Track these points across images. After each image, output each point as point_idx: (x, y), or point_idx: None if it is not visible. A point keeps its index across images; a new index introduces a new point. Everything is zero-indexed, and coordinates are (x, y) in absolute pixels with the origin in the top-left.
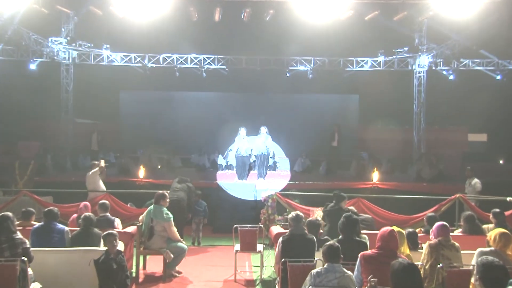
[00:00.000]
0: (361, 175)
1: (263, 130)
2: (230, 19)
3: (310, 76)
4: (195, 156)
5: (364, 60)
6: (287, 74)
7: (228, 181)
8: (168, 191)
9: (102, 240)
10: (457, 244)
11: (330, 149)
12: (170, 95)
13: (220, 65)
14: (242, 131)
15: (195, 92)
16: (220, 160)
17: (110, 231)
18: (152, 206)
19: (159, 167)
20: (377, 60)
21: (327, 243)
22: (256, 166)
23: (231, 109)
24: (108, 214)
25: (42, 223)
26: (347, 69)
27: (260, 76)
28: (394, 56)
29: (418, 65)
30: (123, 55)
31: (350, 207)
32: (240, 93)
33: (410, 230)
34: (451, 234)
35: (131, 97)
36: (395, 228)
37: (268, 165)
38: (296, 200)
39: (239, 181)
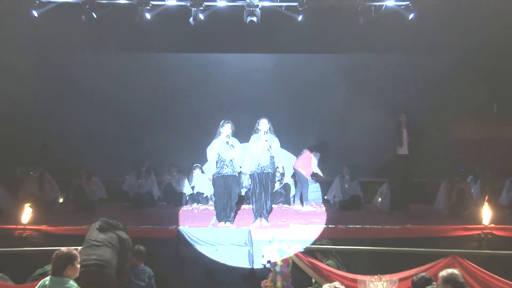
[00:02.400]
0: (459, 211)
1: (264, 125)
2: None
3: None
4: (131, 178)
5: None
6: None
7: (197, 226)
8: (81, 248)
9: None
10: None
11: (396, 161)
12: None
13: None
14: (225, 129)
15: (132, 51)
16: (183, 187)
17: None
18: (46, 280)
19: (61, 200)
20: None
21: None
22: (252, 196)
23: (200, 85)
24: None
25: None
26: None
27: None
28: None
29: None
30: None
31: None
32: (217, 54)
33: None
34: None
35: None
36: None
37: (275, 191)
38: (328, 261)
39: (219, 224)
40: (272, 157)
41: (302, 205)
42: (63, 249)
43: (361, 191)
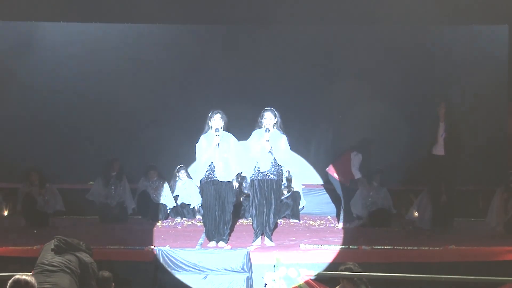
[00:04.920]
0: None
1: (268, 119)
2: None
3: None
4: (97, 185)
5: None
6: None
7: (181, 247)
8: (31, 275)
9: None
10: None
11: (431, 163)
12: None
13: None
14: (215, 121)
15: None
16: (164, 196)
17: None
18: None
19: (5, 213)
20: None
21: None
22: (252, 208)
23: (192, 67)
24: None
25: None
26: None
27: None
28: None
29: None
30: None
31: None
32: (219, 26)
33: None
34: None
35: None
36: None
37: (282, 201)
38: None
39: (210, 244)
40: (275, 161)
41: (338, 222)
42: (20, 276)
43: (391, 200)
